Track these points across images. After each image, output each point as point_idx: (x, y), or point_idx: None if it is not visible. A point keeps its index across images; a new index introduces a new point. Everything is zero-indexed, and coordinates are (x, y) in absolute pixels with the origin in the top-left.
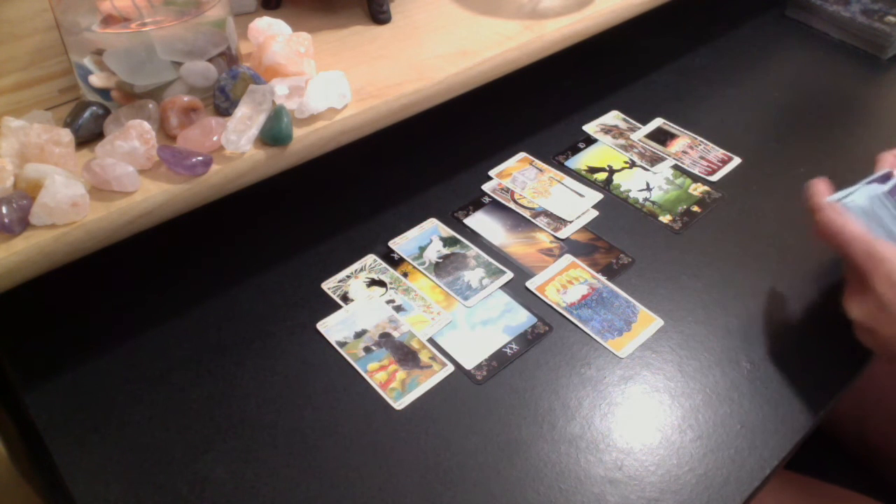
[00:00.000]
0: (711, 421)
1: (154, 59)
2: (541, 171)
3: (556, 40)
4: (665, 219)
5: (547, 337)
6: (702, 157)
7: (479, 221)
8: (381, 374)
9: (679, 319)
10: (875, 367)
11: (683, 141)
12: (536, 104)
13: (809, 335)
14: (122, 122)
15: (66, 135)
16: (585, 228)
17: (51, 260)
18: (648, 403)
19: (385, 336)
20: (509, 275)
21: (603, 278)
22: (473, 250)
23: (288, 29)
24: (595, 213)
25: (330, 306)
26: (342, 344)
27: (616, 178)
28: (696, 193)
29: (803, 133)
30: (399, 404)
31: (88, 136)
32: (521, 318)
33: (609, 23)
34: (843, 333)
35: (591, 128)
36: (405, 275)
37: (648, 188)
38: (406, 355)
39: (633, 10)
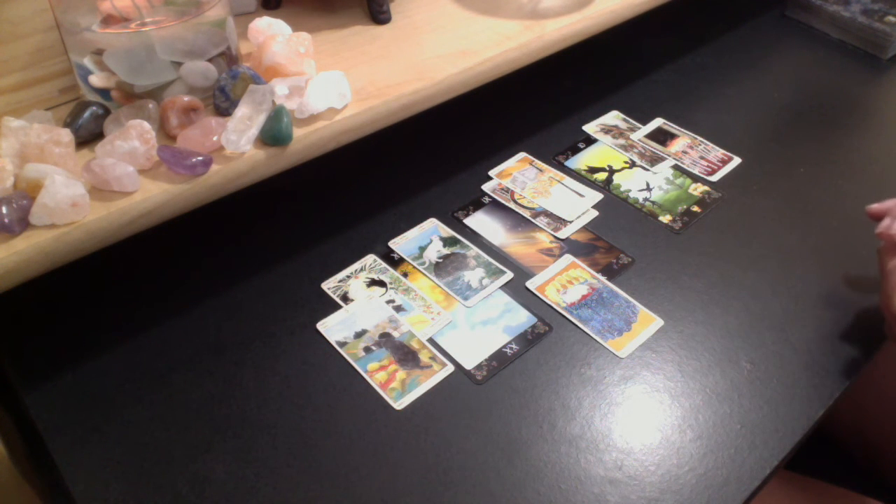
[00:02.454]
0: (711, 421)
1: (154, 59)
2: (541, 171)
3: (556, 40)
4: (665, 219)
5: (547, 337)
6: (702, 157)
7: (479, 221)
8: (381, 374)
9: (679, 319)
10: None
11: (683, 141)
12: (536, 104)
13: (809, 335)
14: (122, 122)
15: (66, 135)
16: (585, 228)
17: (51, 260)
18: (648, 403)
19: (385, 336)
20: (509, 275)
21: (603, 278)
22: (473, 250)
23: (288, 29)
24: (595, 213)
25: (330, 306)
26: (342, 344)
27: (616, 178)
28: (696, 193)
29: (803, 133)
30: (399, 404)
31: (88, 136)
32: (521, 318)
33: (609, 23)
34: (843, 333)
35: (591, 128)
36: (405, 275)
37: (648, 188)
38: (406, 355)
39: (633, 10)
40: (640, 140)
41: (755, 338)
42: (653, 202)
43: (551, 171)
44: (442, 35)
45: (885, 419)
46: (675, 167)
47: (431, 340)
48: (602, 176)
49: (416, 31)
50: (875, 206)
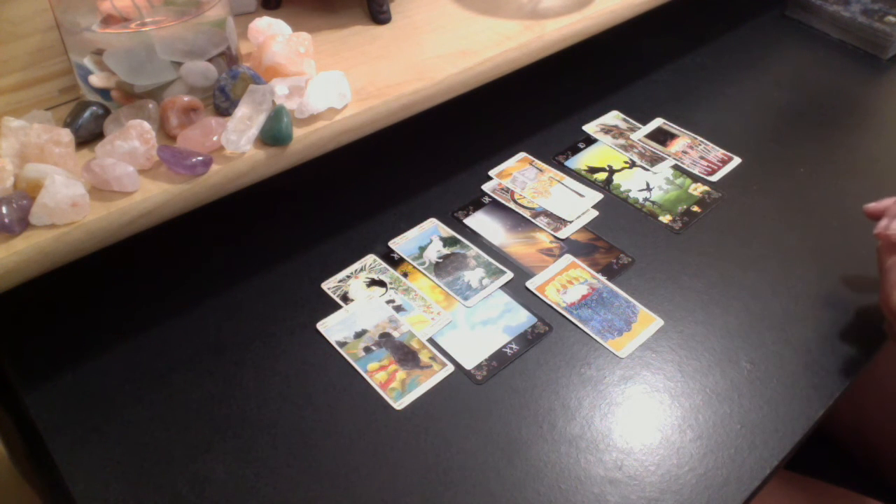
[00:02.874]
0: (711, 421)
1: (154, 59)
2: (541, 171)
3: (556, 40)
4: (665, 219)
5: (547, 337)
6: (702, 157)
7: (479, 221)
8: (381, 374)
9: (679, 319)
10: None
11: (683, 141)
12: (536, 104)
13: (809, 335)
14: (122, 122)
15: (66, 135)
16: (585, 228)
17: (51, 260)
18: (648, 403)
19: (385, 336)
20: (509, 275)
21: (603, 278)
22: (473, 250)
23: (288, 29)
24: (595, 213)
25: (330, 306)
26: (342, 344)
27: (616, 178)
28: (696, 193)
29: (803, 133)
30: (399, 404)
31: (88, 136)
32: (521, 318)
33: (609, 23)
34: (843, 333)
35: (591, 128)
36: (405, 275)
37: (648, 188)
38: (406, 355)
39: (633, 10)
40: (640, 140)
41: (755, 338)
42: (653, 202)
43: (551, 171)
44: (442, 35)
45: (885, 419)
46: (675, 167)
47: (431, 340)
48: (602, 176)
49: (416, 31)
50: (872, 206)
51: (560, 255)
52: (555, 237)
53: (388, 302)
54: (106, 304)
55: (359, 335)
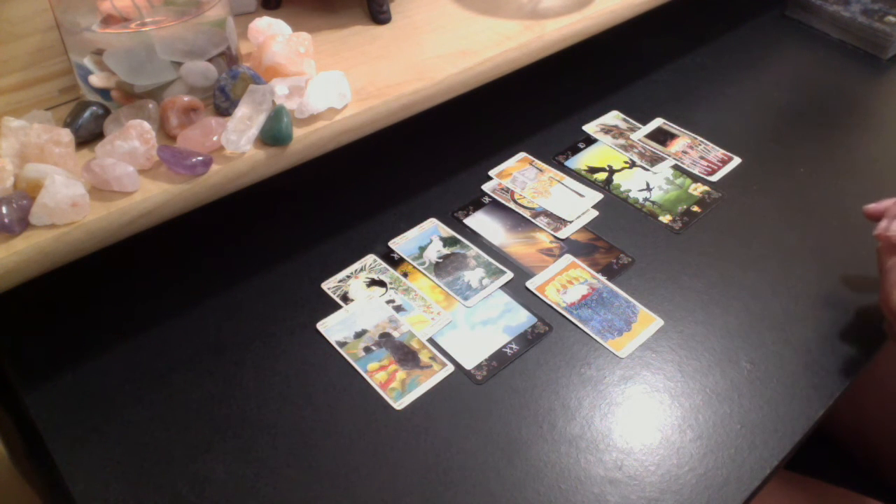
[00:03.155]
0: (711, 421)
1: (154, 59)
2: (541, 171)
3: (556, 40)
4: (665, 219)
5: (547, 337)
6: (702, 157)
7: (479, 221)
8: (381, 374)
9: (679, 319)
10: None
11: (683, 141)
12: (536, 104)
13: (809, 335)
14: (122, 122)
15: (66, 135)
16: (585, 228)
17: (51, 260)
18: (648, 403)
19: (385, 336)
20: (509, 275)
21: (603, 278)
22: (473, 250)
23: (288, 29)
24: (595, 213)
25: (330, 306)
26: (342, 344)
27: (616, 178)
28: (696, 193)
29: (803, 133)
30: (399, 404)
31: (88, 136)
32: (521, 318)
33: (609, 23)
34: (843, 333)
35: (591, 128)
36: (405, 275)
37: (648, 188)
38: (406, 355)
39: (633, 10)
40: (640, 140)
41: (755, 338)
42: (653, 202)
43: (551, 171)
44: (442, 35)
45: (885, 419)
46: (675, 167)
47: (431, 340)
48: (602, 176)
49: (416, 31)
50: (872, 207)
51: (560, 255)
52: (555, 237)
53: (388, 302)
54: (106, 303)
55: (359, 335)
